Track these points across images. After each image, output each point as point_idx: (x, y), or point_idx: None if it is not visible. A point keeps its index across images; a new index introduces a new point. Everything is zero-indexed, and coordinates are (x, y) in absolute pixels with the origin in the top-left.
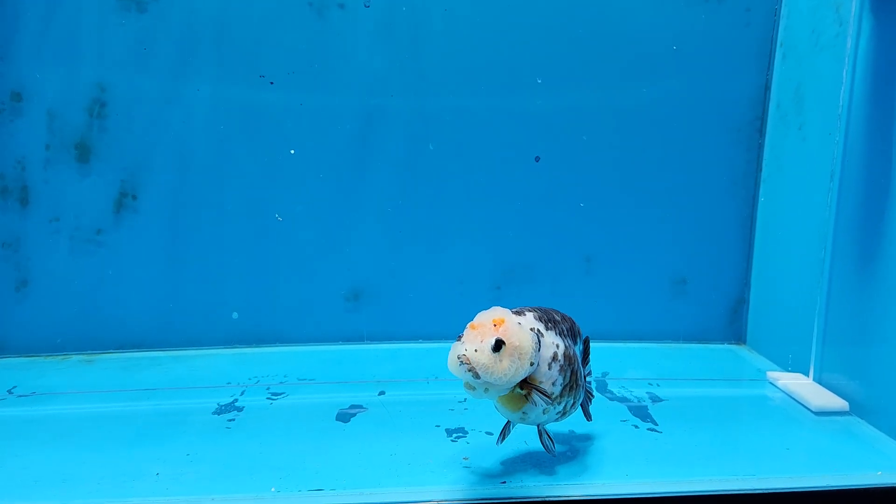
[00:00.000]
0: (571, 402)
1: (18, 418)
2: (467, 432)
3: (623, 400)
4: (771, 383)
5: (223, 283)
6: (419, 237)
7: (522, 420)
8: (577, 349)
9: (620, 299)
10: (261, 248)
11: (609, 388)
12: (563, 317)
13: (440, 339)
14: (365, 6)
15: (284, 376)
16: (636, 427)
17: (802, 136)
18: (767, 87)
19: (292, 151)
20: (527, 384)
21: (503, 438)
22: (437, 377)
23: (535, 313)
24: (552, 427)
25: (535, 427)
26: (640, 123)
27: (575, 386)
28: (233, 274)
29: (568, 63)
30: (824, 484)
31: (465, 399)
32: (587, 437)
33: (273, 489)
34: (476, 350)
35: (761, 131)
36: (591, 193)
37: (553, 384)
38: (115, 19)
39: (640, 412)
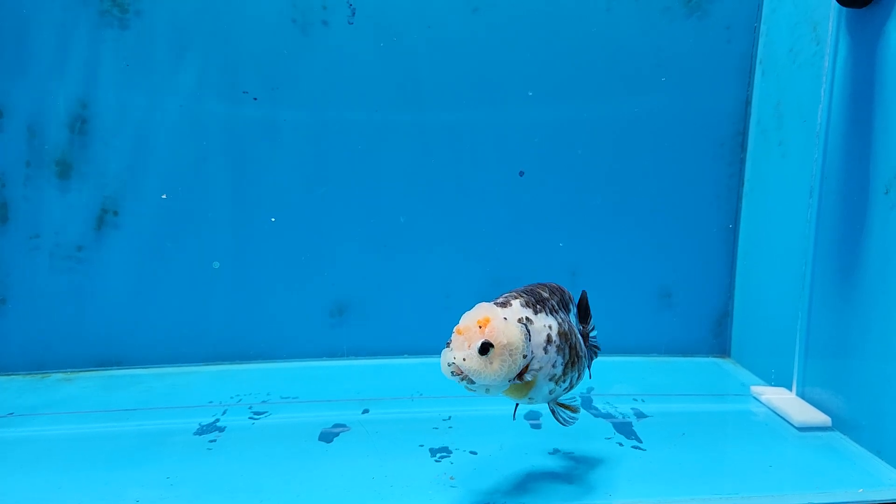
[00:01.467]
0: (577, 374)
1: None
2: (451, 452)
3: (608, 416)
4: (755, 398)
5: (205, 300)
6: (404, 251)
7: (532, 403)
8: (572, 315)
9: (605, 313)
10: (243, 263)
11: (594, 404)
12: (552, 290)
13: (426, 353)
14: (349, 23)
15: (267, 394)
16: (620, 445)
17: (783, 151)
18: (748, 103)
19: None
20: (524, 372)
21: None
22: (421, 394)
23: (522, 299)
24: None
25: (547, 405)
26: (624, 138)
27: (577, 359)
28: (214, 290)
29: (551, 78)
30: (806, 501)
31: (450, 417)
32: (572, 456)
33: None
34: (465, 358)
35: (743, 146)
36: (576, 207)
37: (553, 366)
38: (96, 35)
39: (625, 429)
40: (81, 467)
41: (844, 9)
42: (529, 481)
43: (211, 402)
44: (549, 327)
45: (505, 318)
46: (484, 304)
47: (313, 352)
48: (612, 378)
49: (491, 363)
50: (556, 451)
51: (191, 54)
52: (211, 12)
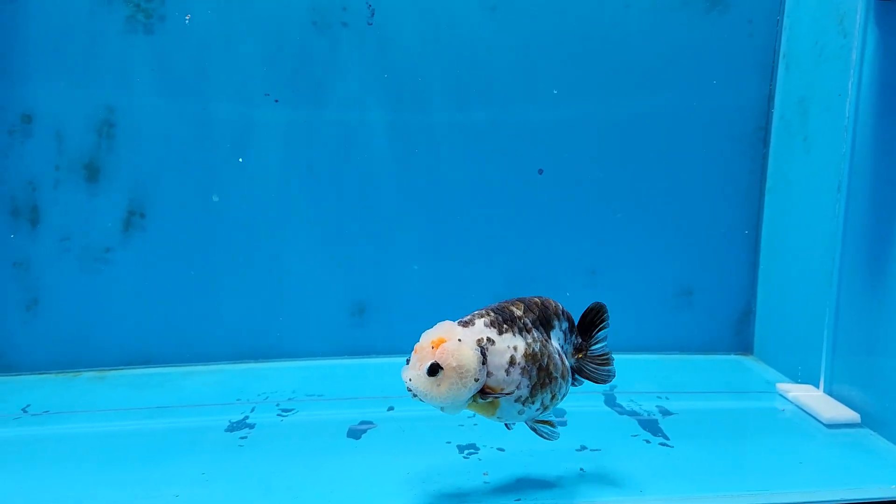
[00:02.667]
0: (549, 396)
1: (34, 437)
2: (479, 448)
3: (633, 414)
4: (781, 395)
5: (230, 299)
6: (423, 251)
7: (502, 420)
8: (557, 332)
9: (626, 311)
10: (267, 263)
11: (618, 401)
12: (529, 307)
13: None
14: (368, 24)
15: (293, 392)
16: (647, 442)
17: (807, 147)
18: (771, 98)
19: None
20: (486, 392)
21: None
22: None
23: (487, 318)
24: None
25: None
26: (644, 134)
27: (549, 381)
28: (239, 289)
29: (570, 75)
30: (838, 498)
31: (474, 415)
32: (600, 453)
33: None
34: (411, 378)
35: (765, 141)
36: (595, 205)
37: (518, 387)
38: (122, 41)
39: (651, 426)
40: (118, 463)
41: (873, 1)
42: (560, 477)
43: (239, 399)
44: (514, 348)
45: (460, 340)
46: (446, 322)
47: (335, 350)
48: (634, 376)
49: (439, 385)
50: (583, 448)
51: (213, 58)
52: (232, 17)
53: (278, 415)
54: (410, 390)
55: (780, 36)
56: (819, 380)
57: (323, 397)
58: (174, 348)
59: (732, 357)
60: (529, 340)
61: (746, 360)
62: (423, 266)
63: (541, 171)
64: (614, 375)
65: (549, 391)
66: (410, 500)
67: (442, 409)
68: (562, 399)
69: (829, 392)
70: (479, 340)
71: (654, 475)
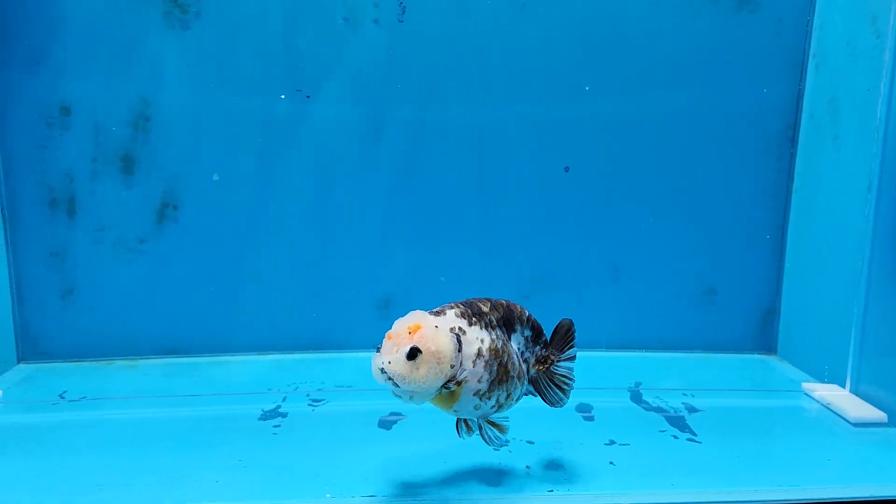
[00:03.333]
0: (505, 394)
1: (74, 423)
2: (507, 441)
3: (659, 410)
4: (806, 394)
5: (259, 290)
6: (449, 245)
7: (458, 415)
8: (518, 336)
9: (649, 308)
10: (295, 255)
11: (644, 398)
12: (496, 306)
13: None
14: (399, 21)
15: (322, 383)
16: (675, 438)
17: (837, 146)
18: (800, 97)
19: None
20: (449, 381)
21: (459, 431)
22: None
23: (458, 310)
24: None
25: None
26: (671, 132)
27: (506, 378)
28: (268, 281)
29: (598, 73)
30: (867, 495)
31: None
32: (629, 447)
33: (328, 495)
34: (390, 362)
35: (793, 141)
36: (620, 202)
37: (479, 380)
38: (159, 36)
39: (678, 423)
40: (157, 449)
41: None
42: (591, 470)
43: (270, 389)
44: (482, 341)
45: (436, 326)
46: (417, 311)
47: (362, 343)
48: (658, 373)
49: (417, 369)
50: (612, 443)
51: (247, 53)
52: (265, 14)
53: (309, 405)
54: (385, 374)
55: (810, 36)
56: (845, 379)
57: (352, 388)
58: (204, 338)
59: (756, 356)
60: (494, 336)
61: (770, 360)
62: (449, 260)
63: (567, 169)
64: (564, 404)
65: (505, 390)
66: (449, 490)
67: (411, 397)
68: (515, 402)
69: (856, 392)
70: (451, 329)
71: (685, 469)
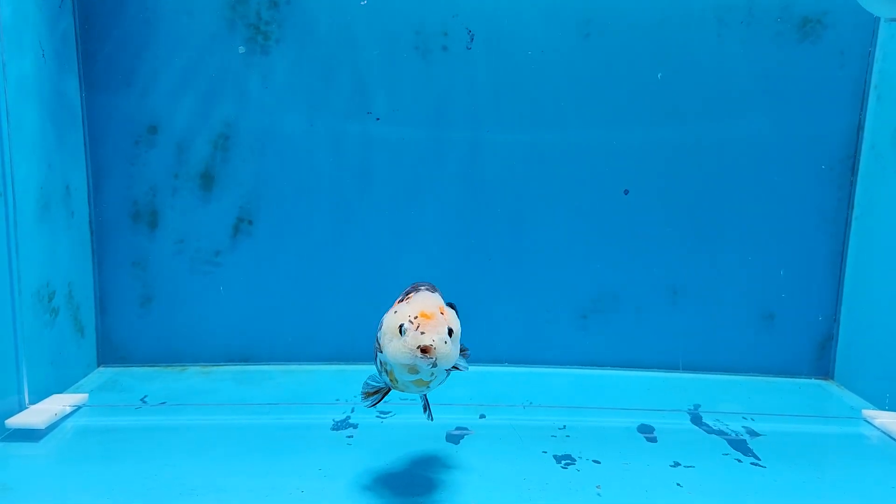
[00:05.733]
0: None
1: (158, 427)
2: (575, 460)
3: (721, 433)
4: (867, 421)
5: (325, 303)
6: (512, 263)
7: (420, 392)
8: None
9: (707, 331)
10: (358, 271)
11: (704, 420)
12: (432, 289)
13: (528, 363)
14: (467, 48)
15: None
16: (739, 461)
17: None
18: (860, 128)
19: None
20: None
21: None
22: (531, 403)
23: (429, 288)
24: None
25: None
26: (732, 159)
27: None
28: (333, 295)
29: (660, 101)
30: None
31: (564, 426)
32: (695, 470)
33: None
34: (445, 341)
35: (853, 170)
36: (680, 226)
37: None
38: (241, 60)
39: (741, 446)
40: (241, 455)
41: None
42: (658, 491)
43: (338, 399)
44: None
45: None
46: (424, 291)
47: None
48: (717, 397)
49: (453, 348)
50: (676, 465)
51: (321, 78)
52: (341, 42)
53: (377, 416)
54: (432, 352)
55: (872, 67)
56: None
57: (415, 402)
58: (273, 347)
59: (813, 381)
60: None
61: (827, 385)
62: (510, 278)
63: (626, 192)
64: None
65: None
66: None
67: (433, 375)
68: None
69: None
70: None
71: (753, 494)
